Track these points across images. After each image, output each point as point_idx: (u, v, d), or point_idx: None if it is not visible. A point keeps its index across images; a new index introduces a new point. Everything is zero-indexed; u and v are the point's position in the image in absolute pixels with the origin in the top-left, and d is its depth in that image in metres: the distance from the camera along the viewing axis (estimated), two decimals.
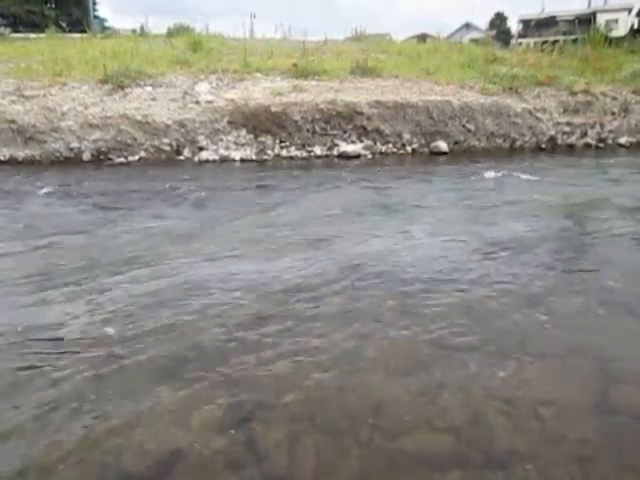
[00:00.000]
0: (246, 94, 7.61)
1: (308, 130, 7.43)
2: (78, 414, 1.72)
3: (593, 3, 28.99)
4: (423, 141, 7.83)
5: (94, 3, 21.59)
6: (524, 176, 5.88)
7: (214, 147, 7.14)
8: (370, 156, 7.44)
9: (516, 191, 5.27)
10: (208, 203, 4.75)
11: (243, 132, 7.26)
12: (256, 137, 7.31)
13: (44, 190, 5.14)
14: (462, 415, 1.72)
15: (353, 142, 7.56)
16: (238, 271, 2.98)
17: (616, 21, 22.82)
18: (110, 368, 1.98)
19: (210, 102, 7.33)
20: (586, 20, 20.59)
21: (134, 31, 12.98)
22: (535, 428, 1.66)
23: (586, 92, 8.68)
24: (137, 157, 6.92)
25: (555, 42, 11.76)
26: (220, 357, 2.06)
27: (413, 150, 7.79)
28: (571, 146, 8.41)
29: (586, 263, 3.24)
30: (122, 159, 6.86)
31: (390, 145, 7.73)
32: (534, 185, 5.54)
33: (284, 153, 7.35)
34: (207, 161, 6.96)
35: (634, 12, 24.57)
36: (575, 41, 11.51)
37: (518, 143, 8.26)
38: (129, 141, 6.92)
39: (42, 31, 12.27)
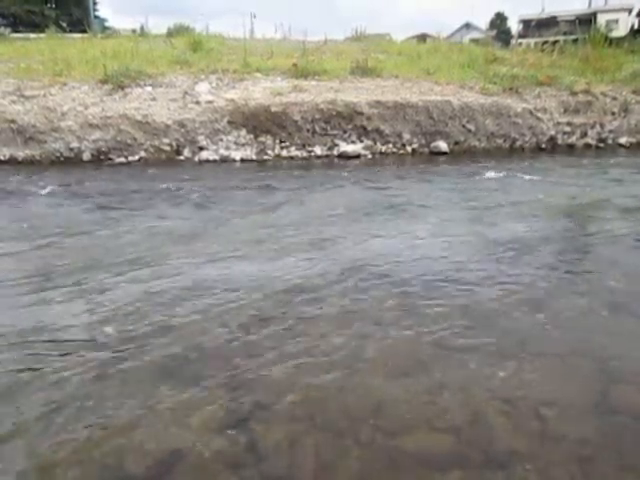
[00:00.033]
0: (246, 94, 7.61)
1: (308, 130, 7.43)
2: (79, 414, 1.72)
3: (593, 3, 29.06)
4: (423, 141, 7.83)
5: (94, 3, 21.59)
6: (524, 176, 5.88)
7: (214, 147, 7.14)
8: (370, 156, 7.44)
9: (516, 191, 5.27)
10: (209, 203, 4.74)
11: (243, 132, 7.26)
12: (256, 137, 7.31)
13: (45, 190, 5.15)
14: (462, 415, 1.72)
15: (353, 142, 7.56)
16: (240, 271, 2.98)
17: (616, 21, 22.85)
18: (111, 368, 1.98)
19: (210, 102, 7.33)
20: (586, 20, 20.59)
21: (134, 31, 12.98)
22: (535, 428, 1.66)
23: (586, 92, 8.68)
24: (137, 157, 6.92)
25: (555, 42, 11.74)
26: (221, 357, 2.06)
27: (413, 150, 7.79)
28: (571, 146, 8.41)
29: (587, 264, 3.24)
30: (122, 159, 6.86)
31: (390, 145, 7.73)
32: (535, 185, 5.54)
33: (284, 153, 7.35)
34: (207, 161, 6.96)
35: (634, 12, 24.59)
36: (575, 41, 11.51)
37: (518, 143, 8.26)
38: (129, 141, 6.92)
39: (42, 31, 12.27)
